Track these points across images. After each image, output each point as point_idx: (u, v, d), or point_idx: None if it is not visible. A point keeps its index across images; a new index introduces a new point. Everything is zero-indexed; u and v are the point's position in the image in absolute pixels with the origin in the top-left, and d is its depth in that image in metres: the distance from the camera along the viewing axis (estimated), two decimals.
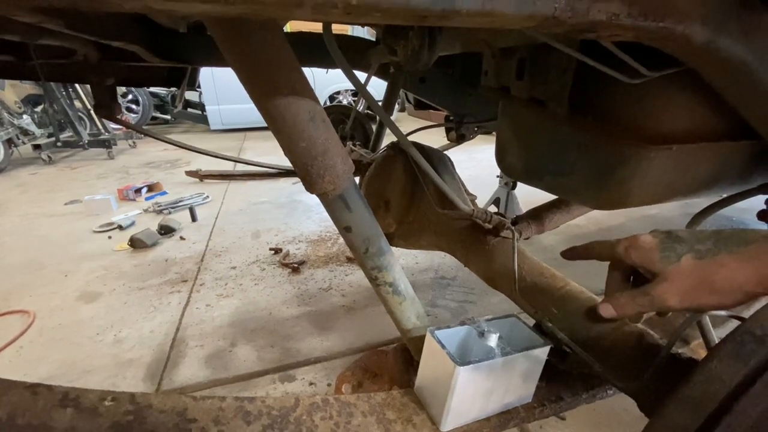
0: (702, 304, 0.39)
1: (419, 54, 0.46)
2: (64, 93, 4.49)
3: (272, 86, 0.41)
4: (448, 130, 1.53)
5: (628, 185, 0.65)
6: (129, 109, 6.18)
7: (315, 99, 0.44)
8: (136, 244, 2.19)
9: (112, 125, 5.07)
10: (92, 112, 4.71)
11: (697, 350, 0.66)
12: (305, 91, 0.43)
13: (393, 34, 0.49)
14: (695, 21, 0.43)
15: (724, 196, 0.80)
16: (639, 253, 0.43)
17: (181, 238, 2.35)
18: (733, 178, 0.73)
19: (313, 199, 2.95)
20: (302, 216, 2.66)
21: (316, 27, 0.66)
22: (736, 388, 0.31)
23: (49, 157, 4.33)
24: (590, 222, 2.27)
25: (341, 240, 2.29)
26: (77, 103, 4.77)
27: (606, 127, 0.66)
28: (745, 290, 0.36)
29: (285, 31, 1.37)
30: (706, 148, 0.64)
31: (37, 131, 4.57)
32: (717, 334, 0.59)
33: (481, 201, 1.83)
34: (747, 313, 0.40)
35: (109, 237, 2.39)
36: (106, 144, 4.56)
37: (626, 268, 0.47)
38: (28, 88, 4.85)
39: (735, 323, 0.37)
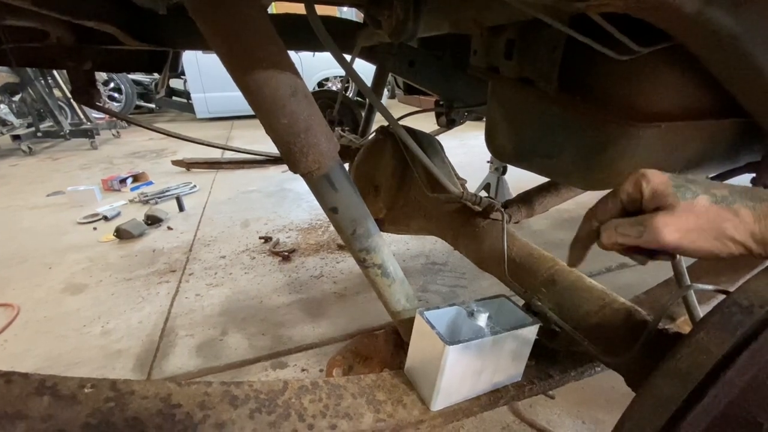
0: (698, 247, 0.37)
1: (404, 25, 0.44)
2: (42, 81, 4.33)
3: (250, 59, 0.39)
4: (438, 115, 1.51)
5: (617, 164, 0.65)
6: (111, 98, 6.00)
7: (296, 73, 0.42)
8: (122, 234, 2.15)
9: (95, 114, 4.93)
10: (73, 100, 4.56)
11: (683, 326, 0.67)
12: (286, 64, 0.41)
13: (377, 4, 0.47)
14: None
15: (710, 175, 0.80)
16: (651, 185, 0.38)
17: (169, 228, 2.31)
18: (721, 157, 0.73)
19: (303, 188, 2.92)
20: (292, 204, 2.63)
21: (303, 9, 0.63)
22: (723, 359, 0.31)
23: (29, 147, 4.20)
24: (579, 206, 2.29)
25: (332, 228, 2.28)
26: (57, 92, 4.62)
27: (595, 105, 0.65)
28: (746, 245, 0.34)
29: (270, 13, 1.33)
30: (695, 127, 0.64)
31: (16, 121, 4.43)
32: (702, 310, 0.60)
33: (472, 187, 1.83)
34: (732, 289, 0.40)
35: (94, 228, 2.34)
36: (89, 134, 4.43)
37: (628, 201, 0.41)
38: (5, 76, 4.67)
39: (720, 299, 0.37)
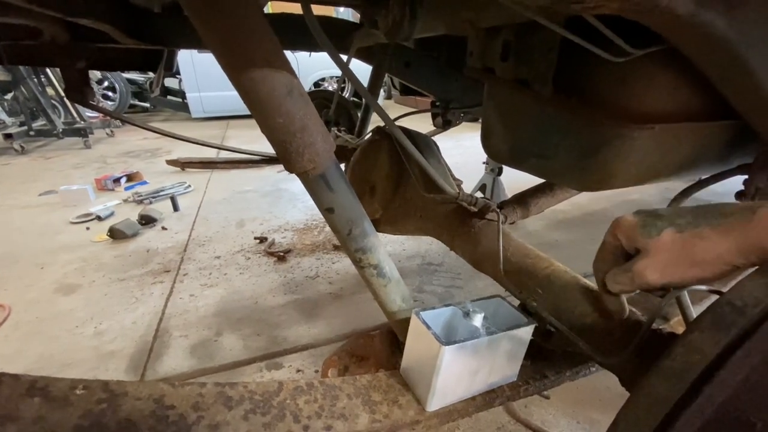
0: (683, 277, 0.38)
1: (401, 25, 0.44)
2: (35, 79, 4.28)
3: (246, 58, 0.39)
4: (434, 116, 1.52)
5: (612, 166, 0.65)
6: (105, 97, 5.95)
7: (292, 73, 0.42)
8: (115, 234, 2.13)
9: (89, 113, 4.89)
10: (66, 99, 4.52)
11: (676, 327, 0.67)
12: (282, 64, 0.41)
13: (373, 4, 0.47)
14: None
15: (703, 177, 0.81)
16: (622, 230, 0.43)
17: (163, 228, 2.30)
18: (714, 159, 0.74)
19: (299, 188, 2.91)
20: (288, 204, 2.62)
21: (299, 9, 0.63)
22: (716, 359, 0.31)
23: (21, 146, 4.15)
24: (574, 207, 2.30)
25: (328, 228, 2.27)
26: (50, 90, 4.57)
27: (589, 107, 0.66)
28: (725, 261, 0.35)
29: (266, 12, 1.32)
30: (688, 129, 0.64)
31: (8, 120, 4.38)
32: (696, 311, 0.60)
33: (468, 188, 1.83)
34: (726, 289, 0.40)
35: (87, 228, 2.31)
36: (82, 133, 4.38)
37: (615, 250, 0.46)
38: None
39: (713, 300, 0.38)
